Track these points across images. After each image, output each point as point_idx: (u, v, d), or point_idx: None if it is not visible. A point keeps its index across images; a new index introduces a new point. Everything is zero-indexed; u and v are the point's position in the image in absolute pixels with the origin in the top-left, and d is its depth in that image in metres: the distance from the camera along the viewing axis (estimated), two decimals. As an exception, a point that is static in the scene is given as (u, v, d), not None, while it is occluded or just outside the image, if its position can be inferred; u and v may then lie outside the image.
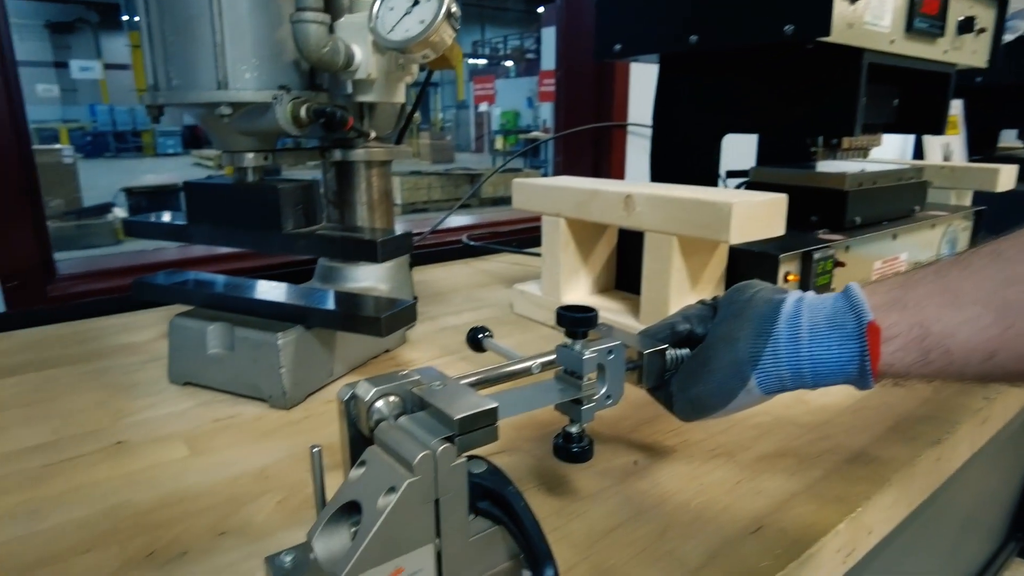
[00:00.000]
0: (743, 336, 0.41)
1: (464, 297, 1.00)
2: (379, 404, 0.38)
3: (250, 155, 0.63)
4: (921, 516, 0.57)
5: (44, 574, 0.40)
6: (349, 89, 0.66)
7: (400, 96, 0.69)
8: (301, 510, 0.46)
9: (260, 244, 0.65)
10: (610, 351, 0.42)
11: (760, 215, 0.64)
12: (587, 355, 0.41)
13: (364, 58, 0.63)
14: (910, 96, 0.90)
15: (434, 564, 0.35)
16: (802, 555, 0.42)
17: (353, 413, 0.38)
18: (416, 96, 0.77)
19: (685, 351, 0.45)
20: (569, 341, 0.43)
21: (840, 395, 0.64)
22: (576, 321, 0.42)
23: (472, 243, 1.26)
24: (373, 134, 0.67)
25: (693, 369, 0.44)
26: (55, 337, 0.84)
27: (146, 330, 0.85)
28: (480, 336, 0.50)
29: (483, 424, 0.35)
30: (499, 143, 11.89)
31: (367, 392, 0.37)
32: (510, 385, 0.42)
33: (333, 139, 0.72)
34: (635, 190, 0.70)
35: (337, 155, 0.72)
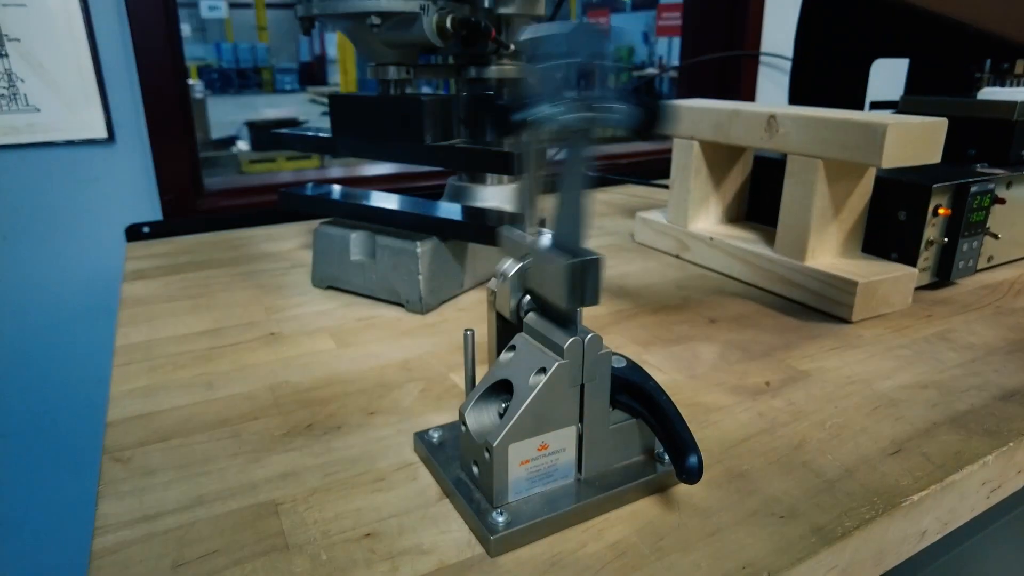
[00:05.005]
0: None
1: (583, 225, 1.00)
2: (528, 298, 0.39)
3: (393, 68, 0.65)
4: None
5: (224, 432, 0.46)
6: (488, 2, 0.67)
7: (540, 8, 0.68)
8: (443, 398, 0.50)
9: (401, 155, 0.68)
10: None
11: (916, 139, 0.60)
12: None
13: (508, -33, 0.63)
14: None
15: (576, 445, 0.37)
16: (944, 479, 0.41)
17: (502, 304, 0.40)
18: (554, 9, 0.76)
19: None
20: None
21: (990, 336, 0.60)
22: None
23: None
24: (512, 47, 0.67)
25: None
26: (209, 243, 0.92)
27: (287, 240, 0.92)
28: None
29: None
30: (610, 80, 11.49)
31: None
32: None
33: (468, 56, 0.72)
34: (779, 111, 0.67)
35: (472, 72, 0.73)
